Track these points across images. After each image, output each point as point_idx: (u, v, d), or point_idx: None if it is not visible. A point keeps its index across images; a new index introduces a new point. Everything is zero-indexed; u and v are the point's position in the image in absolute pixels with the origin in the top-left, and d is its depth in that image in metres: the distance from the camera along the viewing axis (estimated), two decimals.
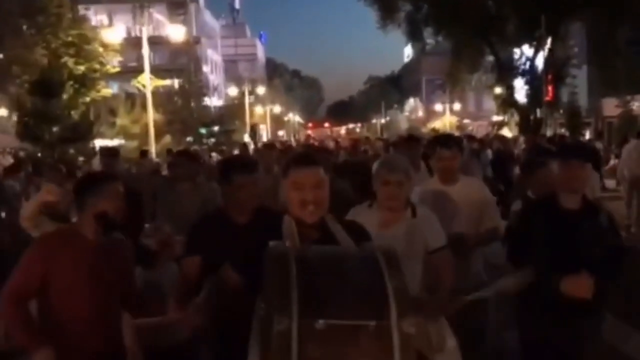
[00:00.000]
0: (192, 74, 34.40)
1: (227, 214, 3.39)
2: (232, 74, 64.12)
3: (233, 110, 42.75)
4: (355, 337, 1.85)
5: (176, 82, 30.73)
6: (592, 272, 3.11)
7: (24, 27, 15.99)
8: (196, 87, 32.90)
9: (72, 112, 16.65)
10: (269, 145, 9.46)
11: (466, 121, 55.78)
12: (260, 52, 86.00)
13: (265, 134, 59.04)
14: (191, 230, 3.44)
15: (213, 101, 46.31)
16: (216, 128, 33.90)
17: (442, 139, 4.60)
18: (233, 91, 46.84)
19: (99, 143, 18.28)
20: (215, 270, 3.11)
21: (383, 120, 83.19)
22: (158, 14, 42.74)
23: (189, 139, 28.17)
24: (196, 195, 5.56)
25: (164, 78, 23.18)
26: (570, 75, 28.49)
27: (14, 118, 17.45)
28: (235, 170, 3.42)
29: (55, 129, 15.58)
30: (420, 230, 3.40)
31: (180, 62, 38.37)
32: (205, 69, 54.20)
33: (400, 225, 3.39)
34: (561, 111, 29.65)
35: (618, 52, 24.45)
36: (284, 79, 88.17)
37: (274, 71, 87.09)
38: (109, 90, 18.62)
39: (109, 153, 7.68)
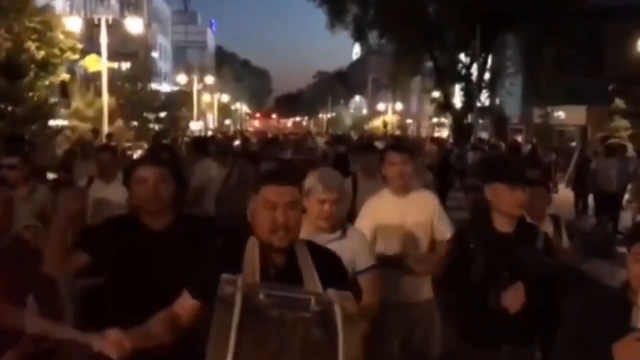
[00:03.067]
0: (141, 59, 34.84)
1: (140, 221, 2.91)
2: (181, 60, 64.25)
3: (180, 98, 43.19)
4: None
5: (123, 66, 31.08)
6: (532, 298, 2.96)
7: None
8: (146, 72, 33.48)
9: (31, 94, 17.66)
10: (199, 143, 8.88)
11: (408, 121, 57.73)
12: (211, 41, 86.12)
13: (212, 123, 59.66)
14: (92, 229, 3.08)
15: (162, 87, 46.64)
16: (162, 114, 34.47)
17: (393, 144, 4.47)
18: (182, 78, 47.25)
19: (55, 123, 19.34)
20: (119, 283, 2.80)
21: (329, 115, 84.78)
22: None
23: (134, 123, 28.51)
24: (31, 204, 4.76)
25: (112, 61, 23.77)
26: (504, 84, 30.50)
27: None
28: (138, 162, 3.12)
29: (18, 109, 16.61)
30: (349, 250, 3.21)
31: (130, 46, 38.57)
32: (155, 54, 54.35)
33: (328, 246, 3.08)
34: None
35: (544, 67, 26.48)
36: (233, 68, 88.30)
37: (223, 60, 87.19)
38: (67, 75, 19.42)
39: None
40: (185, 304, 2.30)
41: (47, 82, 18.20)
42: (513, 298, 2.93)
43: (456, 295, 3.25)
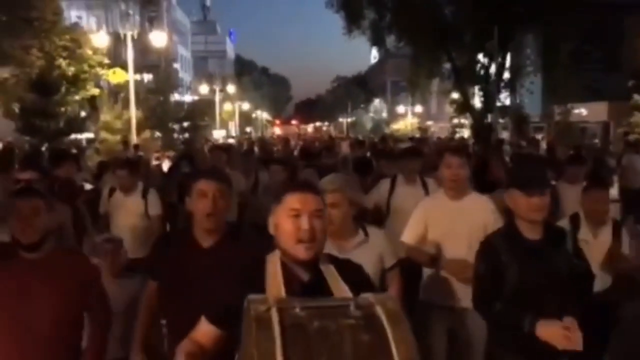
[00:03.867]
0: (162, 71, 35.56)
1: (191, 234, 2.93)
2: (201, 70, 65.16)
3: (203, 107, 43.95)
4: None
5: (145, 78, 31.78)
6: (569, 313, 2.84)
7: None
8: (170, 84, 34.22)
9: (63, 109, 18.58)
10: (219, 147, 9.30)
11: (429, 123, 57.82)
12: (230, 49, 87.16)
13: (234, 130, 60.41)
14: (149, 254, 3.17)
15: (184, 97, 47.44)
16: (185, 124, 35.17)
17: (451, 146, 4.29)
18: (204, 88, 48.07)
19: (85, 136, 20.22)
20: (168, 300, 2.88)
21: (349, 120, 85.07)
22: (126, 9, 43.58)
23: (158, 134, 29.07)
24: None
25: (135, 73, 24.42)
26: (523, 83, 30.57)
27: None
28: (199, 175, 3.03)
29: (52, 123, 17.58)
30: (375, 250, 3.35)
31: (151, 58, 39.26)
32: (176, 65, 55.26)
33: (357, 250, 3.24)
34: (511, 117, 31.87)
35: (561, 64, 26.56)
36: (252, 76, 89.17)
37: (243, 68, 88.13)
38: (96, 90, 20.21)
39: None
40: (204, 330, 2.22)
41: (77, 97, 19.06)
42: (553, 335, 2.75)
43: (489, 310, 3.12)
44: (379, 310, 1.71)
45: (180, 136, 31.52)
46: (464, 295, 3.82)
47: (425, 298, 4.07)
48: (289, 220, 2.11)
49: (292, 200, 2.13)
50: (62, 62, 17.86)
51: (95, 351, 3.00)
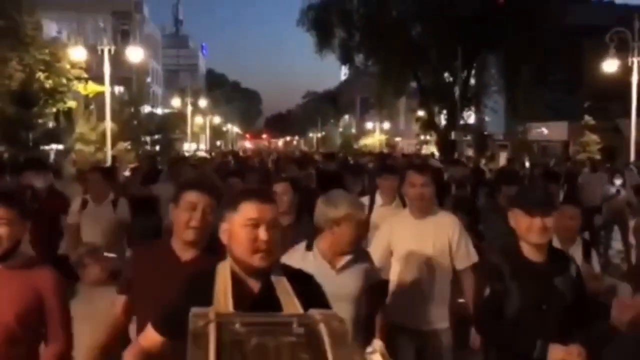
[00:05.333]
0: (134, 83, 35.95)
1: (169, 247, 2.83)
2: (173, 83, 65.43)
3: (174, 120, 44.38)
4: None
5: (117, 90, 32.13)
6: (576, 336, 2.85)
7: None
8: (144, 97, 34.65)
9: (41, 120, 19.12)
10: (181, 160, 9.44)
11: (397, 139, 58.99)
12: (202, 63, 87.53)
13: (204, 144, 60.79)
14: (128, 264, 3.03)
15: (157, 110, 47.83)
16: (156, 136, 35.59)
17: (415, 164, 4.25)
18: (176, 102, 48.51)
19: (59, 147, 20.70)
20: (142, 312, 2.72)
21: (319, 135, 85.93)
22: (102, 23, 43.85)
23: (127, 145, 29.24)
24: None
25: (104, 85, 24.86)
26: (487, 102, 31.79)
27: None
28: (186, 185, 2.90)
29: (31, 134, 18.12)
30: (363, 267, 3.29)
31: (124, 71, 39.47)
32: (148, 78, 55.47)
33: (351, 268, 3.22)
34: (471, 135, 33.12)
35: (523, 84, 27.81)
36: (224, 90, 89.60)
37: (214, 82, 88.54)
38: (73, 102, 20.69)
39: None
40: (149, 336, 2.22)
41: (54, 109, 19.64)
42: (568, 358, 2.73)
43: (494, 334, 3.05)
44: (322, 329, 1.67)
45: (151, 148, 31.92)
46: (431, 317, 3.89)
47: (391, 319, 3.84)
48: (245, 229, 2.07)
49: (250, 209, 2.09)
50: (41, 75, 18.42)
51: None
